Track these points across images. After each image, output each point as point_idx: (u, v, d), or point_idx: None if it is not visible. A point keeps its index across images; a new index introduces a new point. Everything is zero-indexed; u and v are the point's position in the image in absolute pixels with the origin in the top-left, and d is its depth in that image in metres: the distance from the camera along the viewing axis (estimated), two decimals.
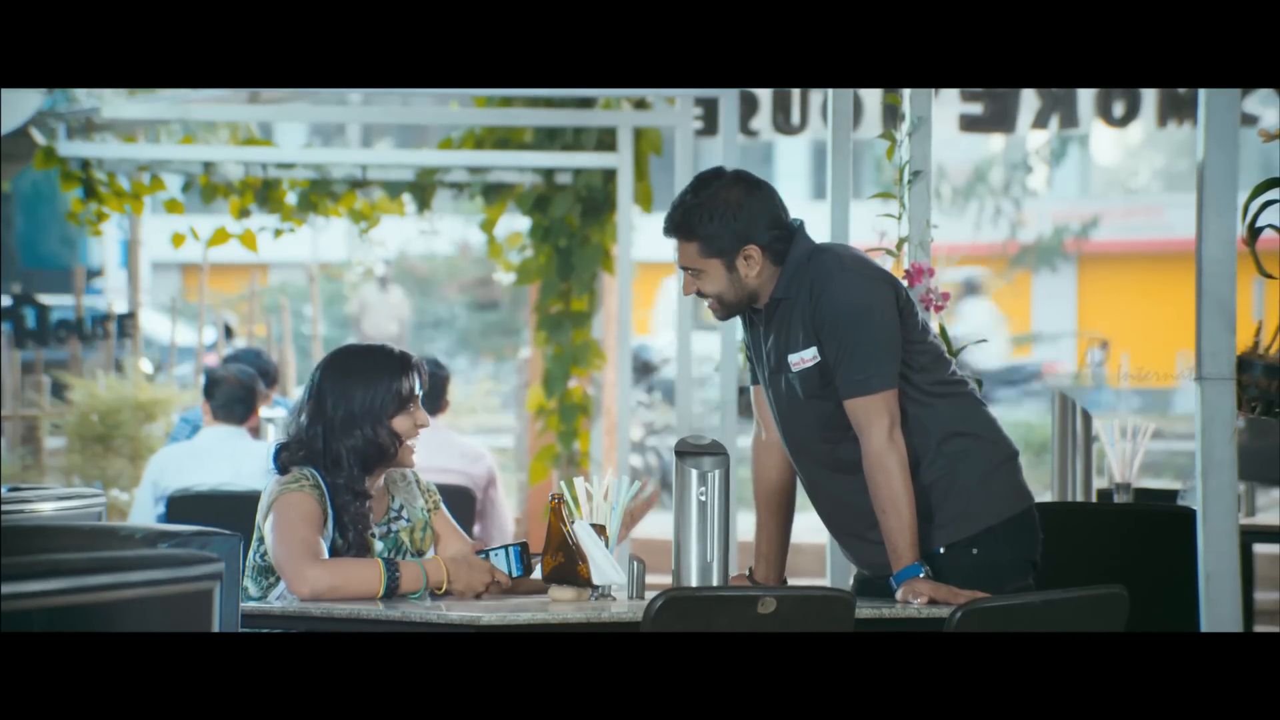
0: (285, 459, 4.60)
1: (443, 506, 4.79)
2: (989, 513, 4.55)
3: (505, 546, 4.59)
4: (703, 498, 4.44)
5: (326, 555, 4.49)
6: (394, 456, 4.60)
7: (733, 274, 4.56)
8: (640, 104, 9.77)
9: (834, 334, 4.49)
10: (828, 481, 4.64)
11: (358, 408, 4.57)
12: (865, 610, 4.29)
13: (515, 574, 4.55)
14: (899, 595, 4.43)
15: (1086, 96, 10.21)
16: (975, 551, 4.56)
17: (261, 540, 4.55)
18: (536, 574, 4.52)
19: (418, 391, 4.64)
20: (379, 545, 4.62)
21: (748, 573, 4.78)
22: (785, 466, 4.77)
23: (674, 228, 4.60)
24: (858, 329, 4.48)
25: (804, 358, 4.54)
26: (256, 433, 7.54)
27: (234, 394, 7.45)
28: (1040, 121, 10.32)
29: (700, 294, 4.62)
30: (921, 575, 4.42)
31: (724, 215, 4.55)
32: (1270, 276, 4.54)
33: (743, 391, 7.94)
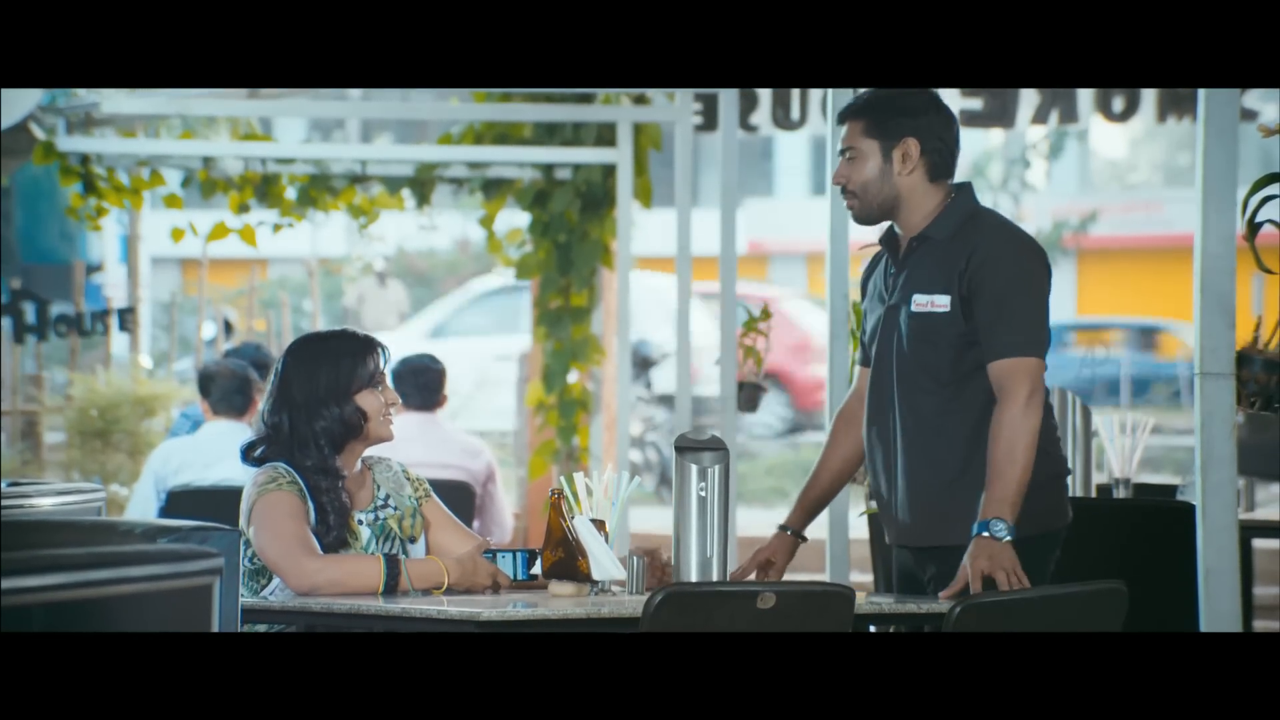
0: (254, 453, 4.61)
1: (434, 496, 4.79)
2: (1029, 523, 4.53)
3: (514, 551, 4.58)
4: (702, 493, 4.44)
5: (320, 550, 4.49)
6: (362, 433, 4.61)
7: (886, 165, 4.62)
8: (640, 99, 9.76)
9: (995, 295, 4.53)
10: (887, 425, 4.66)
11: (323, 389, 4.59)
12: (865, 606, 4.30)
13: (519, 578, 4.55)
14: (968, 555, 4.42)
15: (1086, 91, 10.21)
16: None
17: (248, 544, 4.53)
18: (536, 569, 4.52)
19: (384, 370, 4.66)
20: (365, 532, 4.62)
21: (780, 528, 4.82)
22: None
23: (850, 107, 4.70)
24: (1021, 295, 4.55)
25: (935, 302, 4.58)
26: None
27: (230, 385, 7.47)
28: (1040, 116, 10.32)
29: (845, 187, 4.66)
30: (1004, 538, 4.40)
31: (899, 104, 4.64)
32: (1270, 272, 4.53)
33: (742, 386, 7.93)
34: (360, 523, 4.62)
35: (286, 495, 4.51)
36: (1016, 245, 4.60)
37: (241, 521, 4.55)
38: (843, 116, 4.71)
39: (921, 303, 4.59)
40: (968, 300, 4.55)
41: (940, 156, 4.64)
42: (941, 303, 4.57)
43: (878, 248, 5.10)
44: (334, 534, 4.53)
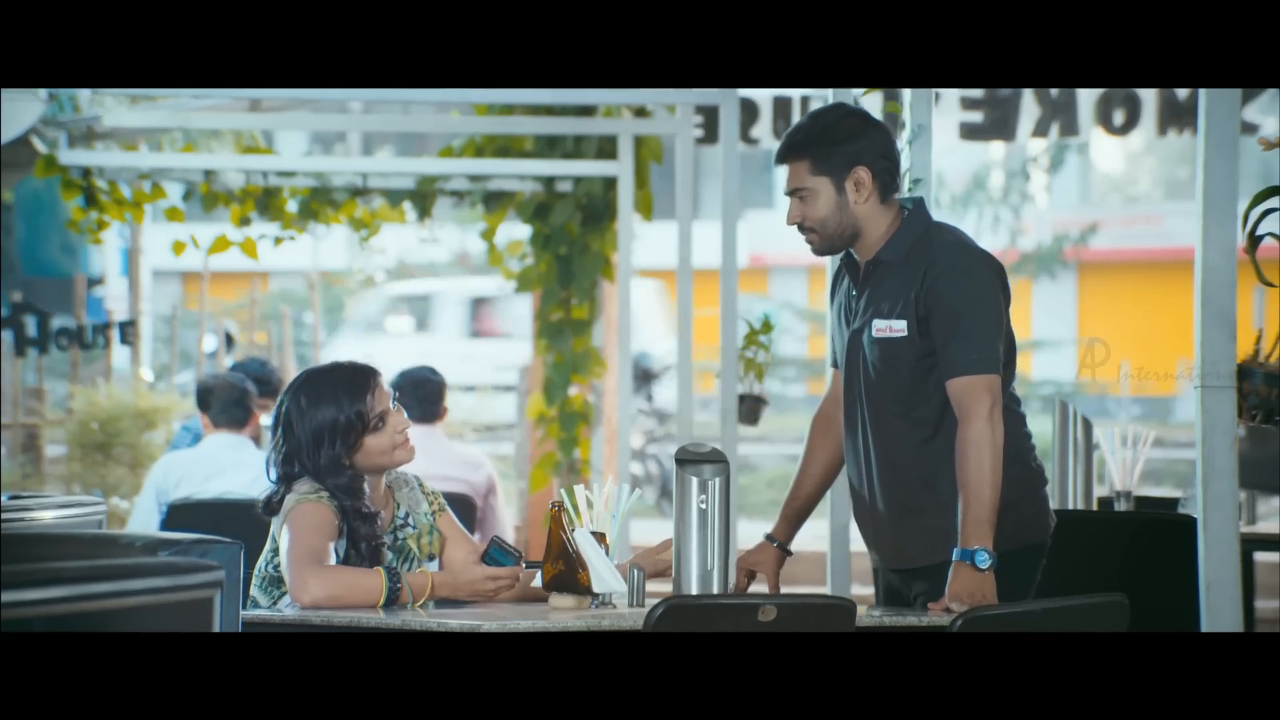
0: (275, 502, 4.59)
1: (448, 509, 4.79)
2: (1010, 536, 4.52)
3: (484, 554, 4.57)
4: (703, 505, 4.43)
5: (334, 564, 4.49)
6: (377, 469, 4.61)
7: (841, 197, 4.60)
8: (641, 112, 9.77)
9: (949, 312, 4.51)
10: (859, 448, 4.66)
11: (325, 459, 4.56)
12: (866, 619, 4.30)
13: (507, 565, 4.54)
14: (950, 580, 4.41)
15: (1086, 105, 10.21)
16: None
17: (275, 551, 4.55)
18: (537, 581, 4.51)
19: (390, 405, 4.62)
20: (388, 555, 4.62)
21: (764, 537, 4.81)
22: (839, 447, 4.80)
23: (787, 148, 4.65)
24: (975, 312, 4.51)
25: (893, 327, 4.57)
26: (259, 441, 7.56)
27: (229, 397, 7.49)
28: (1040, 130, 10.32)
29: (803, 226, 4.64)
30: (986, 567, 4.39)
31: (837, 135, 4.60)
32: (1270, 285, 4.53)
33: (743, 399, 7.93)
34: (385, 544, 4.62)
35: (321, 508, 4.51)
36: (968, 261, 4.57)
37: (275, 527, 4.56)
38: (782, 157, 4.65)
39: (881, 328, 4.59)
40: (924, 320, 4.54)
41: (890, 176, 4.63)
42: (899, 327, 4.57)
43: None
44: (364, 563, 4.54)
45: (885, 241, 4.61)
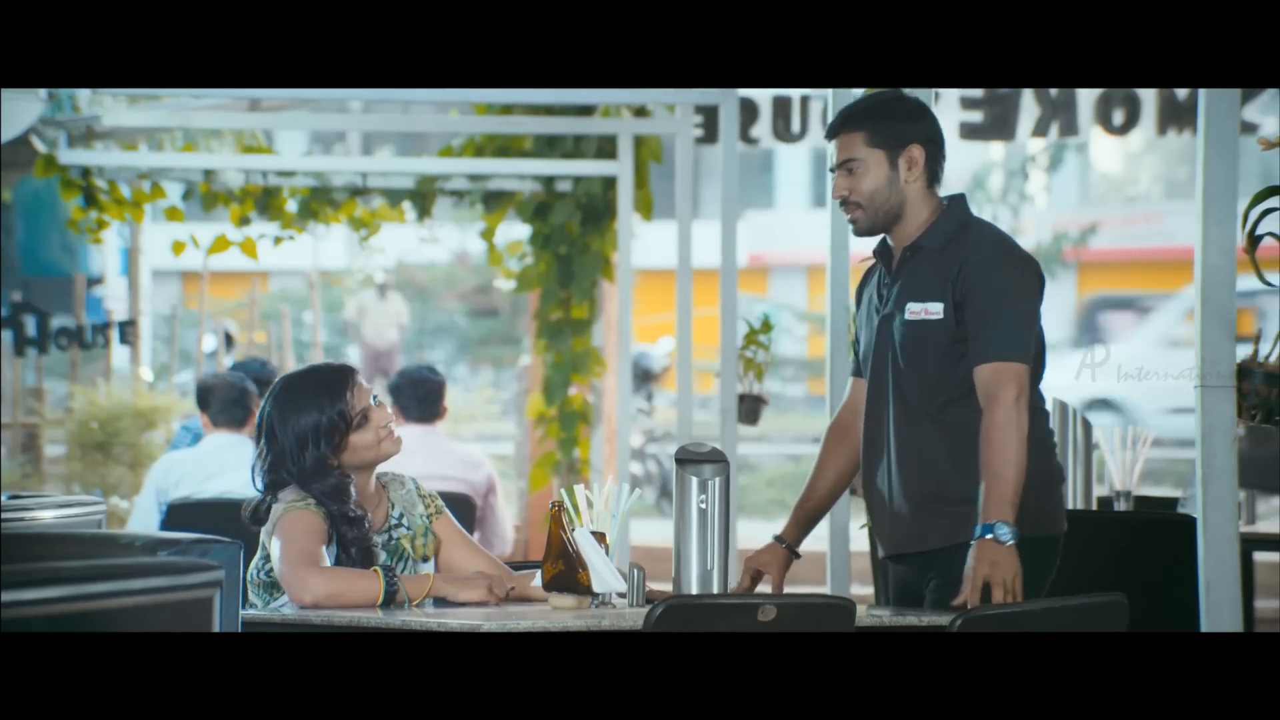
0: (263, 511, 4.59)
1: (446, 512, 4.78)
2: (1030, 524, 4.50)
3: None
4: (703, 505, 4.44)
5: (328, 565, 4.49)
6: (365, 465, 4.61)
7: (892, 172, 4.63)
8: (640, 111, 9.77)
9: (985, 302, 4.53)
10: (883, 436, 4.66)
11: (311, 461, 4.56)
12: (866, 619, 4.30)
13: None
14: (970, 558, 4.40)
15: (1086, 104, 10.21)
16: None
17: (267, 558, 4.55)
18: (536, 581, 4.51)
19: (371, 401, 4.62)
20: (381, 555, 4.62)
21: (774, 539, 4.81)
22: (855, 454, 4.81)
23: (843, 120, 4.68)
24: (1011, 304, 4.54)
25: (928, 309, 4.59)
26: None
27: (229, 397, 7.49)
28: (1040, 129, 10.32)
29: (848, 200, 4.65)
30: (1008, 541, 4.38)
31: (896, 111, 4.65)
32: (1270, 285, 4.53)
33: (743, 399, 7.93)
34: (375, 546, 4.62)
35: (310, 514, 4.51)
36: (1008, 255, 4.61)
37: (264, 535, 4.55)
38: (837, 129, 4.68)
39: (915, 310, 4.61)
40: (959, 307, 4.56)
41: (938, 162, 4.68)
42: (935, 310, 4.59)
43: (874, 260, 5.11)
44: (355, 564, 4.54)
45: (925, 229, 4.64)
